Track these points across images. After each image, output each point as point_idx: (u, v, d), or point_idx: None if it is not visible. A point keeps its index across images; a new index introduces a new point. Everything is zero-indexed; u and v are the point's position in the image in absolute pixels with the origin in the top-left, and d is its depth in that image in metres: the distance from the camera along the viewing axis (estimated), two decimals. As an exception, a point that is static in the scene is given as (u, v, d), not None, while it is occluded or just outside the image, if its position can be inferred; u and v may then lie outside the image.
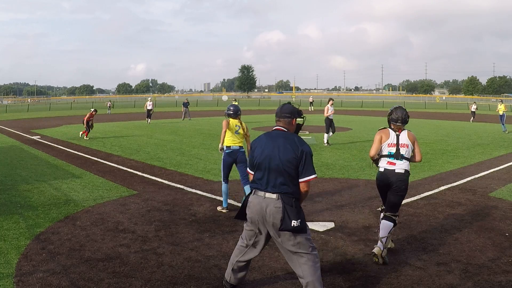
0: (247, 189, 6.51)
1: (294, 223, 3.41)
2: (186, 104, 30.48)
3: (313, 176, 3.51)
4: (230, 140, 6.62)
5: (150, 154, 12.87)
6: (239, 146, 6.67)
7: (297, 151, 3.49)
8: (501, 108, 21.64)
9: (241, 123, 6.75)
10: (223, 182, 6.71)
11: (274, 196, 3.50)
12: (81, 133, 18.04)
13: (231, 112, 6.75)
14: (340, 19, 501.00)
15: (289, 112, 3.72)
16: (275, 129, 3.72)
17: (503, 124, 20.78)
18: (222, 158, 6.68)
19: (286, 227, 3.43)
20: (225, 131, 6.64)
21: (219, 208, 6.73)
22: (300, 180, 3.51)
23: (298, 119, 3.77)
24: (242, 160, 6.61)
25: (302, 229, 3.47)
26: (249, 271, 4.42)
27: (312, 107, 49.43)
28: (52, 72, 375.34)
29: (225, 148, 6.66)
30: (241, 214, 3.77)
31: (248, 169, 3.80)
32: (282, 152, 3.51)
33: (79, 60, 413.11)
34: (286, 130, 3.68)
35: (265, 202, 3.53)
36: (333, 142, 15.74)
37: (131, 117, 34.90)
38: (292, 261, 3.58)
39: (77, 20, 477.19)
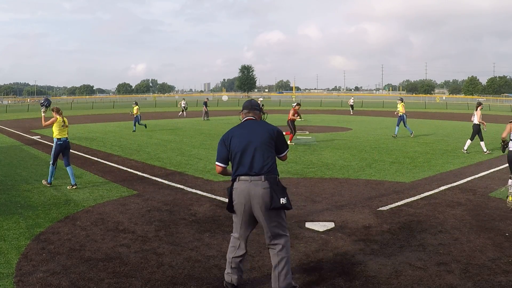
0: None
1: (282, 200, 3.74)
2: (206, 104, 30.48)
3: (287, 151, 4.08)
4: None
5: (150, 154, 12.87)
6: None
7: (273, 133, 3.91)
8: (400, 108, 17.90)
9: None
10: None
11: (259, 179, 3.76)
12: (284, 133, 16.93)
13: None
14: (340, 19, 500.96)
15: (258, 105, 4.19)
16: (246, 119, 4.07)
17: (406, 126, 17.78)
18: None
19: (276, 205, 3.72)
20: None
21: None
22: (281, 155, 4.03)
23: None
24: None
25: (288, 206, 3.80)
26: (249, 271, 4.42)
27: (352, 110, 40.71)
28: (52, 72, 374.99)
29: None
30: (231, 206, 3.93)
31: (216, 162, 4.04)
32: (260, 136, 3.87)
33: (79, 60, 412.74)
34: (254, 118, 4.08)
35: (252, 185, 3.76)
36: (333, 142, 15.74)
37: (131, 117, 34.86)
38: (272, 232, 3.85)
39: (78, 20, 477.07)
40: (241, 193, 3.80)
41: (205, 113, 29.79)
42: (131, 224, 6.04)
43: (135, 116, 21.14)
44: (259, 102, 27.13)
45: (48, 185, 8.46)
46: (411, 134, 17.95)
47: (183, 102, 34.12)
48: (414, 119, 28.72)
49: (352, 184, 8.66)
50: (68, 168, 8.42)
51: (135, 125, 21.03)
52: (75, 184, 8.33)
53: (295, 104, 16.01)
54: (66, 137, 8.47)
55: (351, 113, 38.95)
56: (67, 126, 8.51)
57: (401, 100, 18.53)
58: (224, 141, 3.98)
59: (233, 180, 3.90)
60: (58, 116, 8.37)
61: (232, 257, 4.01)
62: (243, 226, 3.96)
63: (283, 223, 3.86)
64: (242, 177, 3.81)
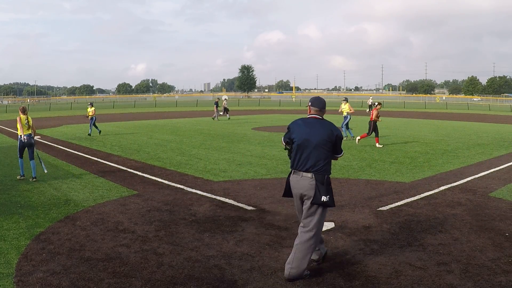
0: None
1: (323, 198, 4.13)
2: (217, 104, 30.26)
3: (342, 154, 4.37)
4: None
5: (150, 154, 12.87)
6: None
7: (332, 136, 4.19)
8: (345, 108, 16.99)
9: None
10: None
11: (309, 175, 4.17)
12: (358, 138, 14.67)
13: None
14: (340, 19, 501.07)
15: (323, 104, 4.39)
16: (310, 117, 4.35)
17: (342, 127, 16.67)
18: None
19: (316, 201, 4.14)
20: None
21: None
22: (337, 156, 4.34)
23: None
24: None
25: (330, 204, 4.18)
26: (249, 271, 4.42)
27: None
28: (52, 72, 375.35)
29: None
30: (286, 192, 4.47)
31: (282, 139, 4.48)
32: (319, 136, 4.17)
33: (79, 60, 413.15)
34: (320, 117, 4.32)
35: (303, 181, 4.20)
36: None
37: (131, 117, 34.89)
38: (301, 227, 4.29)
39: (78, 20, 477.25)
40: (294, 185, 4.30)
41: (217, 113, 29.72)
42: (131, 224, 6.04)
43: (90, 118, 19.14)
44: (223, 101, 26.64)
45: (22, 178, 9.21)
46: (345, 137, 16.32)
47: (224, 101, 32.44)
48: (414, 119, 28.73)
49: (352, 184, 8.66)
50: (31, 162, 9.15)
51: (91, 127, 19.07)
52: (35, 177, 9.08)
53: (376, 104, 15.15)
54: (30, 134, 9.25)
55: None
56: (30, 125, 9.27)
57: (346, 100, 17.46)
58: (289, 129, 4.38)
59: (290, 172, 4.37)
60: (22, 115, 9.15)
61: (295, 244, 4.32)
62: (299, 212, 4.43)
63: (316, 220, 4.21)
64: (296, 171, 4.27)
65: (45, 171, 9.27)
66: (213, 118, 29.05)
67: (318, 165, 4.15)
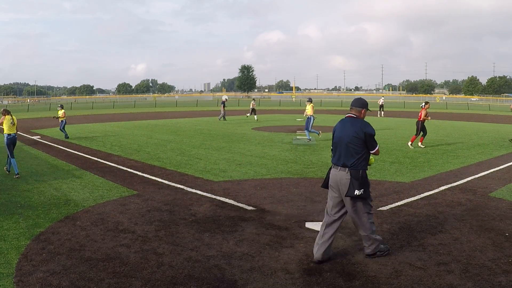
0: None
1: (357, 192, 4.46)
2: (224, 104, 30.10)
3: (376, 148, 4.62)
4: None
5: (150, 154, 12.87)
6: None
7: (360, 133, 4.51)
8: (308, 110, 16.40)
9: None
10: None
11: (345, 170, 4.55)
12: (410, 143, 14.29)
13: None
14: (340, 19, 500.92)
15: (360, 104, 4.76)
16: (347, 116, 4.75)
17: (307, 129, 16.16)
18: None
19: (350, 194, 4.48)
20: None
21: None
22: (372, 151, 4.62)
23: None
24: None
25: (364, 197, 4.52)
26: (249, 271, 4.42)
27: (383, 112, 36.02)
28: (52, 72, 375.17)
29: None
30: (325, 183, 4.84)
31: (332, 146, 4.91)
32: (350, 134, 4.55)
33: (79, 60, 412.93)
34: (355, 116, 4.69)
35: (340, 175, 4.58)
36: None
37: (131, 117, 34.90)
38: (354, 216, 4.65)
39: (78, 20, 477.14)
40: (332, 178, 4.68)
41: (224, 113, 29.42)
42: (131, 224, 6.04)
43: (60, 120, 18.26)
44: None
45: (17, 176, 9.46)
46: (308, 140, 15.93)
47: (253, 101, 32.23)
48: (414, 119, 28.69)
49: (352, 184, 8.65)
50: (12, 160, 9.62)
51: (64, 130, 18.15)
52: (18, 174, 9.48)
53: (424, 104, 14.74)
54: (15, 133, 9.79)
55: (381, 115, 34.57)
56: (15, 124, 9.83)
57: (310, 100, 16.84)
58: (332, 131, 4.87)
59: (331, 166, 4.77)
60: (7, 116, 9.80)
61: (322, 234, 4.72)
62: (331, 204, 4.73)
63: (359, 210, 4.60)
64: (334, 166, 4.68)
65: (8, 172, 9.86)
66: (220, 119, 28.97)
67: (352, 160, 4.52)
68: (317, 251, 4.60)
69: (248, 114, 31.21)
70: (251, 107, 30.86)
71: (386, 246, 4.86)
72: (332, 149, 4.81)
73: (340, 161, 4.61)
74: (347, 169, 4.54)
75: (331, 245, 4.69)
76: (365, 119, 4.78)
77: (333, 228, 4.69)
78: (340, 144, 4.62)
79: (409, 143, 14.25)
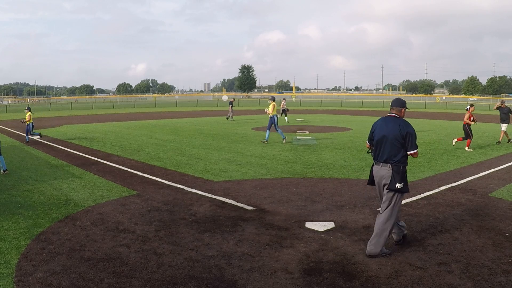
0: None
1: (398, 185, 4.80)
2: (232, 103, 30.16)
3: (415, 151, 4.86)
4: None
5: (150, 154, 12.87)
6: None
7: (403, 132, 4.81)
8: (269, 109, 15.53)
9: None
10: None
11: (387, 165, 4.88)
12: (455, 140, 14.22)
13: None
14: (340, 19, 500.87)
15: (400, 103, 5.06)
16: (388, 116, 5.06)
17: (268, 129, 15.52)
18: None
19: (391, 187, 4.82)
20: None
21: None
22: (408, 152, 4.86)
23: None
24: None
25: (402, 191, 4.86)
26: (249, 271, 4.42)
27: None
28: (52, 72, 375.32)
29: None
30: (370, 181, 5.18)
31: (367, 141, 5.30)
32: (392, 132, 4.84)
33: (79, 60, 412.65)
34: (397, 116, 4.99)
35: (382, 170, 4.92)
36: (333, 142, 15.74)
37: (131, 117, 34.90)
38: (383, 210, 4.92)
39: (78, 20, 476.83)
40: (375, 174, 5.03)
41: (232, 113, 29.45)
42: (131, 224, 6.04)
43: (27, 124, 16.96)
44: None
45: (5, 172, 9.87)
46: (283, 139, 15.40)
47: (283, 101, 30.24)
48: (414, 119, 28.68)
49: (352, 184, 8.66)
50: (0, 157, 9.89)
51: (27, 134, 16.89)
52: (6, 170, 9.89)
53: (469, 106, 14.44)
54: None
55: None
56: None
57: (273, 99, 15.92)
58: (372, 128, 5.14)
59: (373, 163, 5.09)
60: None
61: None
62: (380, 198, 5.07)
63: (392, 204, 4.87)
64: (377, 162, 5.00)
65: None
66: (227, 118, 28.93)
67: (393, 156, 4.83)
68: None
69: (279, 116, 27.36)
70: (281, 107, 27.52)
71: (389, 251, 4.95)
72: (369, 145, 5.21)
73: (382, 157, 4.92)
74: (389, 164, 4.86)
75: (402, 227, 5.13)
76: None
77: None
78: (382, 141, 4.91)
79: (466, 147, 13.76)
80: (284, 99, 30.01)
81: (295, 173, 9.80)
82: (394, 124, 4.89)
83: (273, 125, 15.44)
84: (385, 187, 4.88)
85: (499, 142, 15.63)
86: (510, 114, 15.86)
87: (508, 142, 15.61)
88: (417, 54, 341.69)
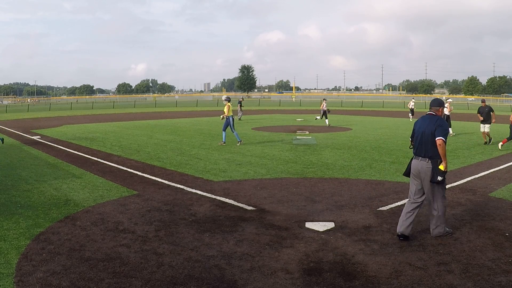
0: None
1: (439, 178, 5.25)
2: (241, 103, 30.30)
3: (440, 137, 5.24)
4: None
5: (150, 154, 12.87)
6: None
7: (437, 125, 5.29)
8: (225, 110, 15.09)
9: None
10: None
11: (425, 160, 5.32)
12: (501, 143, 13.97)
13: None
14: (340, 19, 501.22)
15: (437, 103, 5.60)
16: (427, 114, 5.56)
17: (224, 130, 15.13)
18: None
19: (433, 180, 5.28)
20: None
21: None
22: (436, 138, 5.26)
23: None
24: None
25: (443, 182, 5.32)
26: (249, 271, 4.42)
27: (412, 115, 29.73)
28: (52, 72, 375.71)
29: None
30: (407, 172, 5.61)
31: (410, 137, 5.87)
32: (430, 129, 5.31)
33: (79, 60, 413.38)
34: (434, 114, 5.49)
35: (421, 164, 5.36)
36: (333, 142, 15.74)
37: (131, 117, 34.90)
38: (432, 199, 5.44)
39: (78, 21, 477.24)
40: (414, 167, 5.45)
41: (241, 112, 29.58)
42: (131, 224, 6.04)
43: None
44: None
45: None
46: (239, 142, 15.00)
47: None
48: (414, 119, 28.65)
49: (352, 184, 8.66)
50: None
51: None
52: None
53: None
54: None
55: (411, 118, 29.28)
56: None
57: (228, 100, 15.38)
58: (414, 126, 5.64)
59: (412, 157, 5.53)
60: None
61: (406, 212, 5.42)
62: (414, 190, 5.47)
63: (437, 193, 5.38)
64: (416, 156, 5.45)
65: None
66: (239, 118, 28.91)
67: (432, 152, 5.26)
68: (401, 226, 5.35)
69: (318, 117, 25.95)
70: (322, 108, 25.10)
71: (451, 230, 5.54)
72: (411, 141, 5.65)
73: (421, 152, 5.36)
74: (427, 159, 5.29)
75: (412, 223, 5.37)
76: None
77: (415, 210, 5.43)
78: (421, 137, 5.37)
79: (500, 143, 13.80)
80: (324, 99, 26.56)
81: (295, 173, 9.80)
82: (431, 121, 5.36)
83: (228, 126, 15.09)
84: (426, 180, 5.33)
85: (485, 143, 15.24)
86: (491, 113, 15.44)
87: (485, 143, 15.12)
88: (417, 54, 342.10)
